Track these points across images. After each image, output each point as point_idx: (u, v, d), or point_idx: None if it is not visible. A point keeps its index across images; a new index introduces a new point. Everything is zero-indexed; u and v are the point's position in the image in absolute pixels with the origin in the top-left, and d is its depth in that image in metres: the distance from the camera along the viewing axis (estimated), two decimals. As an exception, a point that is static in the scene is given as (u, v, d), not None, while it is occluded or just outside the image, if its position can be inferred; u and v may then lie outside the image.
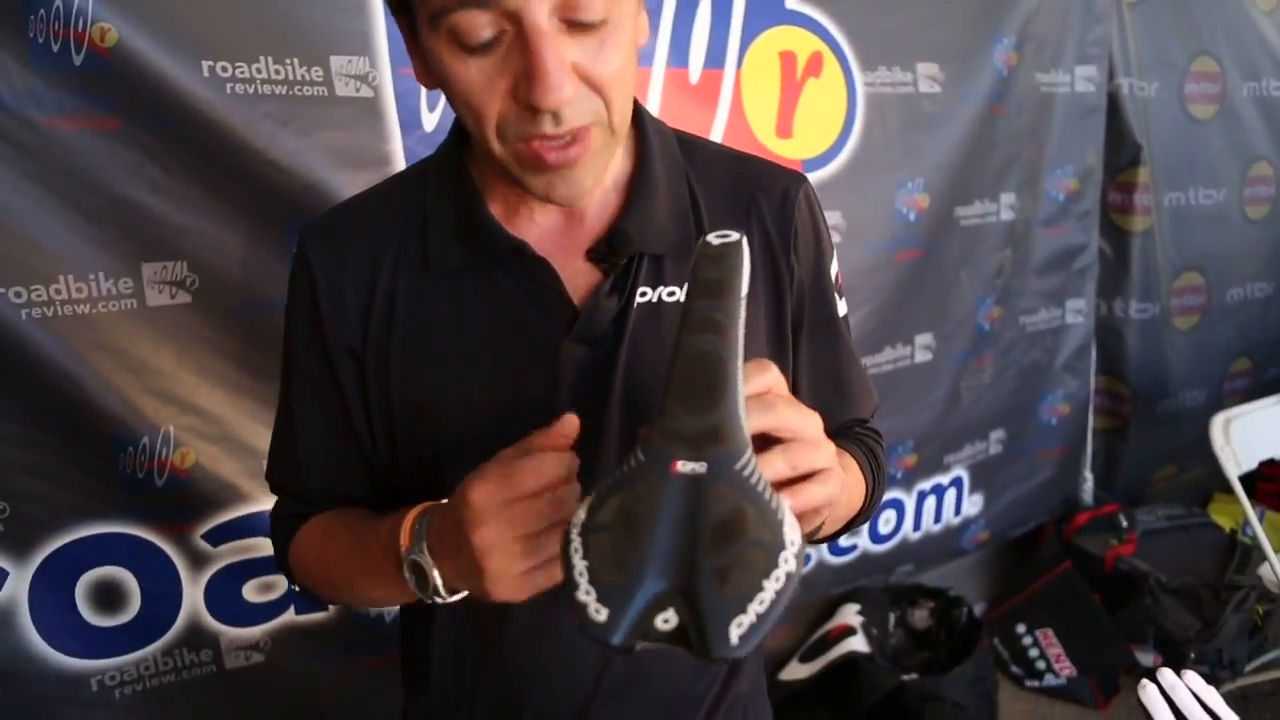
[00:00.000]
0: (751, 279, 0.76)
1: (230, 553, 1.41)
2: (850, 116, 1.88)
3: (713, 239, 0.62)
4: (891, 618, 2.36)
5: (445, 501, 0.64)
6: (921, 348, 2.17)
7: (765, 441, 0.56)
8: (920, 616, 2.37)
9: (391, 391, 0.74)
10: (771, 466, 0.54)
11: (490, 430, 0.71)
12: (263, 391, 1.37)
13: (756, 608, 0.44)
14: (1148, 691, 0.84)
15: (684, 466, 0.49)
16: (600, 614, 0.45)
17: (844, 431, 0.85)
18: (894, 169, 1.97)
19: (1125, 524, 2.51)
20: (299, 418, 0.80)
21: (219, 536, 1.39)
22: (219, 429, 1.35)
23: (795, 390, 0.82)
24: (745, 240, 0.61)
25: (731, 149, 0.83)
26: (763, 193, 0.77)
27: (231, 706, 1.45)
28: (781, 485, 0.55)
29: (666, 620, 0.46)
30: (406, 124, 1.40)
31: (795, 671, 2.20)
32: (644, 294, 0.73)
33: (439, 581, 0.64)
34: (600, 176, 0.68)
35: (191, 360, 1.32)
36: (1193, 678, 0.86)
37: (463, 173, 0.74)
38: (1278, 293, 2.91)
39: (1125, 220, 2.54)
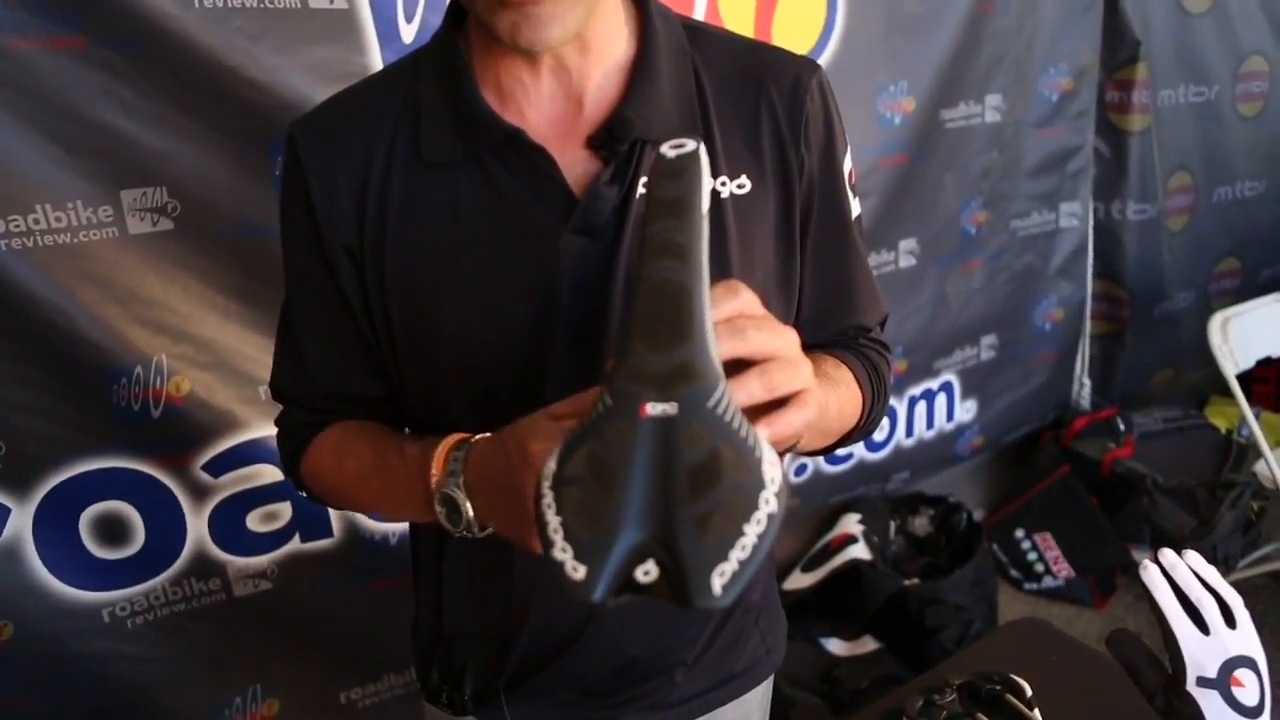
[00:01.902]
0: (761, 177, 0.74)
1: (232, 483, 1.41)
2: (830, 17, 1.82)
3: (667, 150, 0.57)
4: (892, 525, 2.39)
5: (487, 436, 0.63)
6: (905, 253, 2.15)
7: (739, 366, 0.54)
8: (920, 524, 2.40)
9: (387, 287, 0.72)
10: (746, 390, 0.52)
11: (487, 325, 0.70)
12: (254, 317, 1.35)
13: (739, 554, 0.42)
14: (1149, 571, 0.85)
15: (653, 409, 0.46)
16: (578, 571, 0.44)
17: (845, 341, 0.83)
18: (876, 72, 1.92)
19: (1123, 427, 2.53)
20: (302, 318, 0.78)
21: (219, 467, 1.39)
22: (212, 356, 1.34)
23: (800, 291, 0.80)
24: (703, 148, 0.57)
25: (742, 36, 0.79)
26: (773, 80, 0.74)
27: (243, 633, 1.47)
28: (759, 411, 0.53)
29: (647, 572, 0.44)
30: (384, 36, 1.35)
31: (798, 581, 2.24)
32: (645, 183, 0.70)
33: (472, 515, 0.63)
34: (571, 30, 0.64)
35: (179, 288, 1.30)
36: (1193, 556, 0.86)
37: (457, 58, 0.71)
38: (1269, 191, 2.88)
39: (1123, 119, 2.49)
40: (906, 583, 2.13)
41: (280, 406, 0.85)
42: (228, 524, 1.42)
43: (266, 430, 1.39)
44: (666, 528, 0.44)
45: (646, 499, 0.45)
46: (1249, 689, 0.81)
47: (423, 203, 0.71)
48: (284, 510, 1.46)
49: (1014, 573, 2.51)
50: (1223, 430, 2.68)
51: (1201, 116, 2.60)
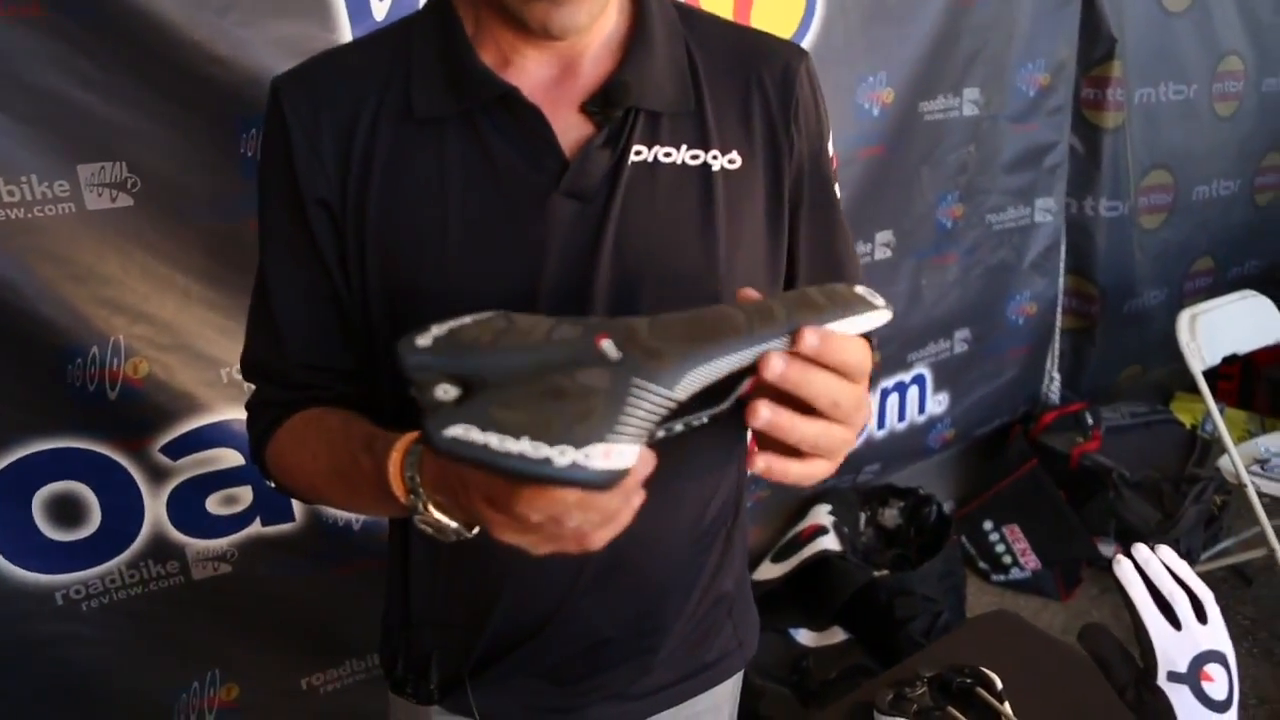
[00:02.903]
0: (751, 155, 0.74)
1: (191, 465, 1.37)
2: (810, 6, 1.81)
3: (864, 291, 0.56)
4: (862, 517, 2.40)
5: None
6: (881, 245, 2.15)
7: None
8: (890, 515, 2.41)
9: (367, 247, 0.70)
10: (791, 429, 0.51)
11: (470, 287, 0.68)
12: (217, 299, 1.31)
13: (477, 448, 0.44)
14: (1122, 566, 0.85)
15: (606, 343, 0.48)
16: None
17: None
18: (855, 63, 1.91)
19: (1091, 421, 2.56)
20: (275, 283, 0.75)
21: (178, 450, 1.35)
22: (172, 337, 1.30)
23: (791, 273, 0.80)
24: (881, 316, 0.55)
25: (730, 21, 0.80)
26: (764, 64, 0.75)
27: (202, 616, 1.44)
28: (789, 450, 0.53)
29: (445, 391, 0.47)
30: (355, 12, 1.31)
31: (768, 571, 2.24)
32: (639, 152, 0.70)
33: (454, 525, 0.60)
34: (597, 14, 0.67)
35: (138, 267, 1.26)
36: (1165, 551, 0.86)
37: (451, 19, 0.70)
38: (1242, 191, 2.92)
39: (1098, 116, 2.50)
40: (876, 574, 2.13)
41: (251, 388, 0.82)
42: (187, 506, 1.39)
43: (228, 414, 1.35)
44: (490, 384, 0.47)
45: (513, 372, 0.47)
46: (1218, 683, 0.82)
47: (409, 159, 0.69)
48: (245, 493, 1.42)
49: (982, 564, 2.54)
50: (1187, 425, 2.71)
51: (1181, 115, 2.63)
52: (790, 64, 0.75)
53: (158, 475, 1.36)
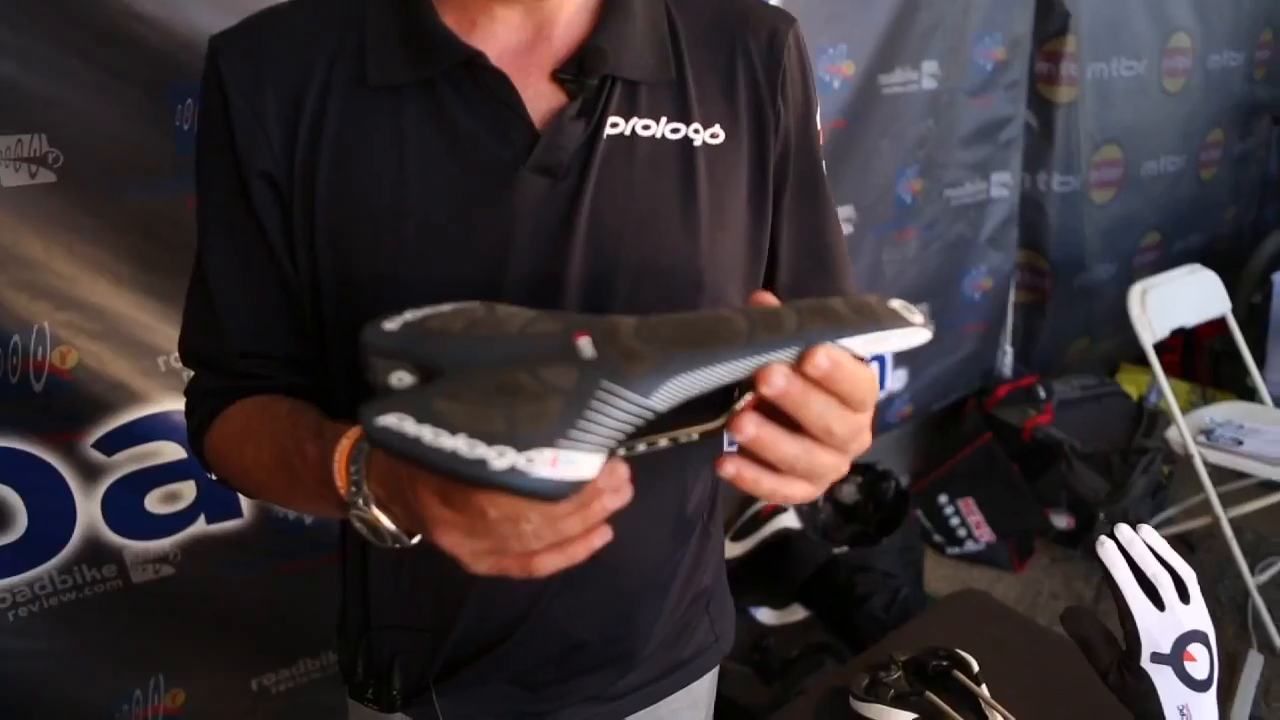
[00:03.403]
0: (735, 129, 0.69)
1: (128, 461, 1.29)
2: (771, -24, 1.77)
3: (899, 305, 0.48)
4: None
5: None
6: (843, 220, 2.13)
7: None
8: (848, 491, 2.41)
9: (316, 226, 0.64)
10: (776, 449, 0.46)
11: (430, 271, 0.63)
12: (150, 282, 1.23)
13: (401, 439, 0.40)
14: (1105, 547, 0.83)
15: (582, 340, 0.44)
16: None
17: None
18: (817, 34, 1.88)
19: (1043, 395, 2.59)
20: (214, 264, 0.69)
21: (112, 444, 1.27)
22: (102, 324, 1.21)
23: (773, 259, 0.75)
24: (918, 334, 0.47)
25: None
26: (749, 31, 0.70)
27: (143, 621, 1.36)
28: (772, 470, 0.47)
29: (401, 378, 0.44)
30: (294, -28, 1.23)
31: (728, 550, 2.23)
32: (615, 124, 0.65)
33: (394, 528, 0.55)
34: None
35: (63, 248, 1.17)
36: (1148, 531, 0.85)
37: None
38: (1188, 166, 2.97)
39: (1051, 91, 2.52)
40: (836, 551, 2.13)
41: (190, 374, 0.75)
42: (124, 506, 1.30)
43: (166, 404, 1.27)
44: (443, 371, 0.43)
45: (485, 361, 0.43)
46: (1200, 663, 0.81)
47: (363, 130, 0.63)
48: (187, 490, 1.35)
49: (937, 537, 2.56)
50: (1134, 398, 2.77)
51: (1132, 90, 2.65)
52: (778, 31, 0.70)
53: (90, 473, 1.27)
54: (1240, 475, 2.20)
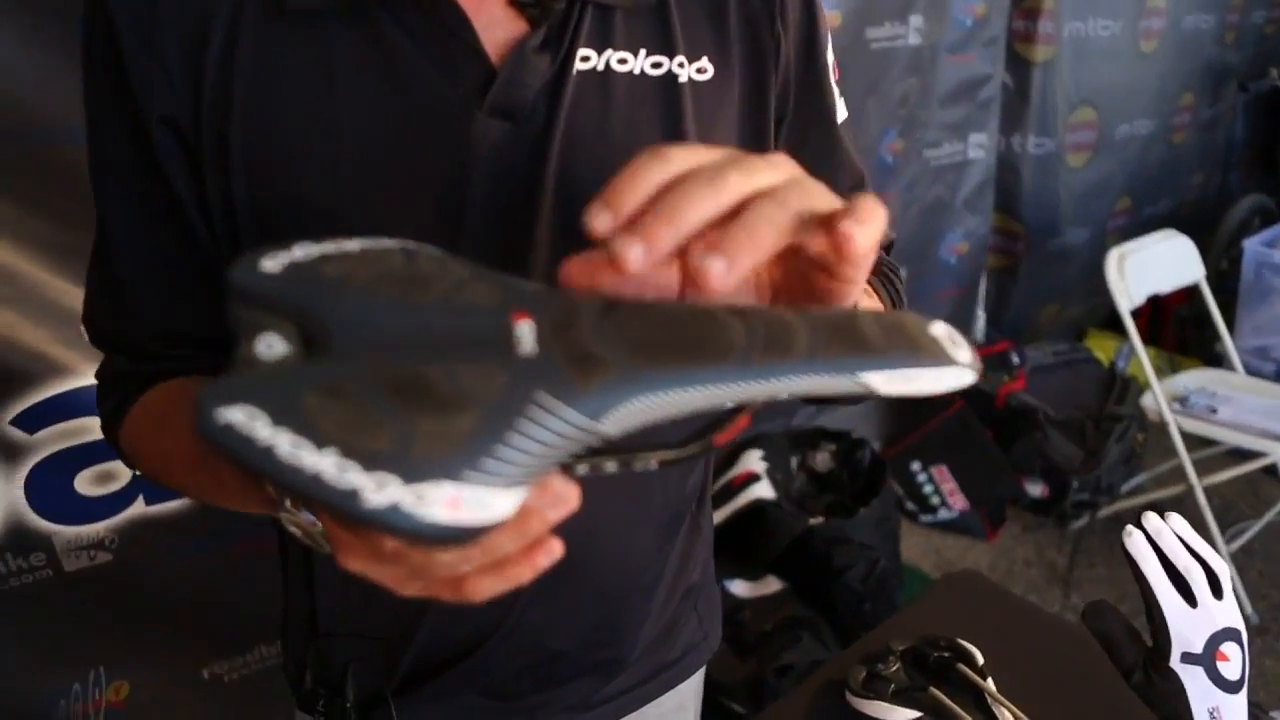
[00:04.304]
0: (726, 62, 0.58)
1: (53, 440, 1.17)
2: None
3: (943, 333, 0.36)
4: (794, 461, 2.34)
5: None
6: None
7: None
8: (822, 459, 2.36)
9: (233, 181, 0.53)
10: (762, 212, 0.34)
11: (370, 234, 0.53)
12: (69, 240, 1.10)
13: (257, 448, 0.29)
14: (1134, 539, 0.77)
15: (522, 326, 0.33)
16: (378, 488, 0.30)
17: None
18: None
19: (1017, 361, 2.56)
20: (114, 230, 0.58)
21: (34, 421, 1.15)
22: (14, 288, 1.08)
23: None
24: (960, 376, 0.36)
25: None
26: None
27: (78, 612, 1.25)
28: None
29: (270, 345, 0.33)
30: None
31: (700, 523, 2.17)
32: (586, 58, 0.55)
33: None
34: None
35: (-34, 203, 1.04)
36: (1177, 521, 0.79)
37: None
38: (1160, 129, 2.94)
39: (1028, 50, 2.45)
40: (812, 522, 2.08)
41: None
42: (50, 488, 1.19)
43: (93, 376, 1.15)
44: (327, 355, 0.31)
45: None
46: (1233, 663, 0.75)
47: (283, 66, 0.52)
48: (122, 470, 1.23)
49: (910, 505, 2.53)
50: (1105, 364, 2.75)
51: (1108, 51, 2.60)
52: None
53: (10, 453, 1.15)
54: (1210, 443, 2.20)
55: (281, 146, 0.53)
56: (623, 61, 0.56)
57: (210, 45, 0.51)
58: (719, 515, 2.16)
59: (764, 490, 2.16)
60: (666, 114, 0.57)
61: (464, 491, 0.29)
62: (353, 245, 0.35)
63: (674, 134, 0.57)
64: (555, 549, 0.35)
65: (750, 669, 1.84)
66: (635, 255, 0.32)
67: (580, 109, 0.55)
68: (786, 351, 0.33)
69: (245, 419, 0.29)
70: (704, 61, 0.58)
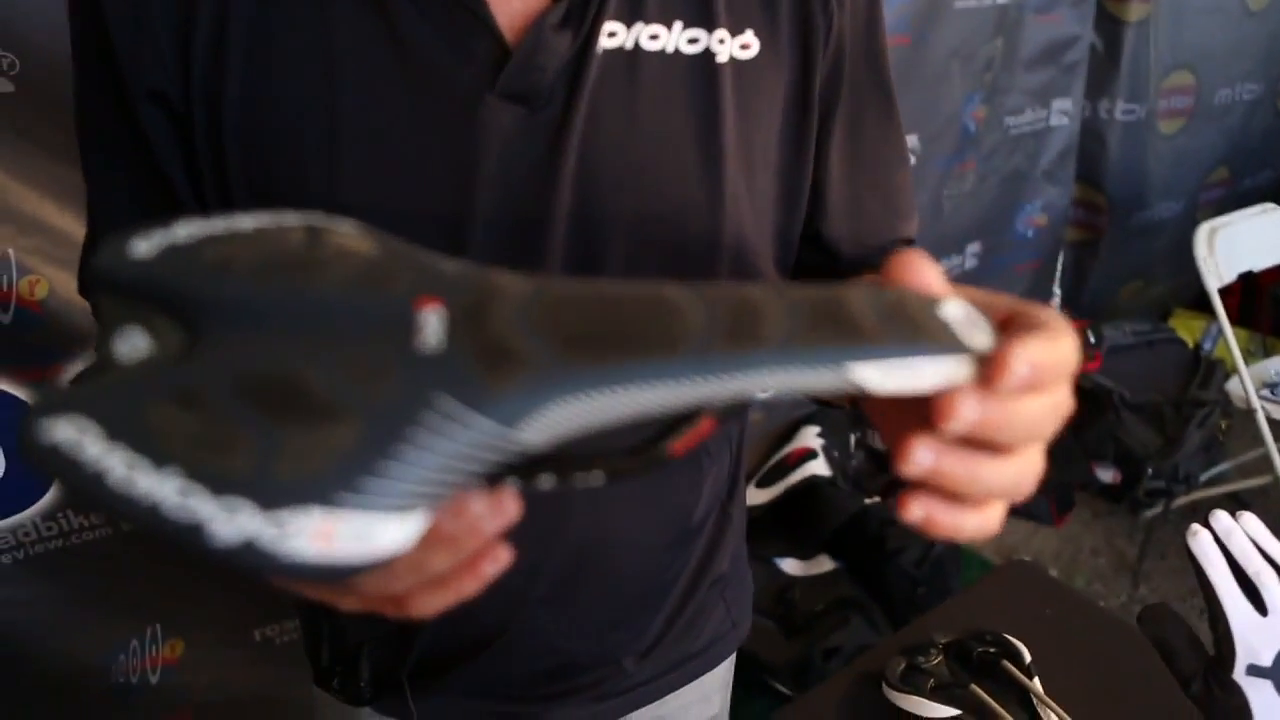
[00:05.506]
0: (773, 37, 0.53)
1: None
2: None
3: (957, 315, 0.30)
4: (852, 439, 2.28)
5: None
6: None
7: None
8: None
9: (228, 164, 0.51)
10: (979, 481, 0.30)
11: (372, 224, 0.50)
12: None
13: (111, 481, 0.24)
14: (1199, 539, 0.71)
15: (428, 314, 0.27)
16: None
17: None
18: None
19: (1093, 340, 2.44)
20: (100, 206, 0.57)
21: (92, 380, 1.18)
22: (70, 250, 1.10)
23: (818, 202, 0.60)
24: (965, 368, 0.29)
25: None
26: None
27: (136, 570, 1.29)
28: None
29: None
30: None
31: (753, 497, 2.14)
32: (613, 34, 0.50)
33: None
34: None
35: (22, 166, 1.05)
36: (1250, 520, 0.73)
37: None
38: (1266, 95, 2.73)
39: (1120, 8, 2.30)
40: (867, 501, 2.03)
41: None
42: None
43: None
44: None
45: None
46: (1304, 679, 0.69)
47: (278, 43, 0.49)
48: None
49: (972, 488, 2.45)
50: (1190, 345, 2.61)
51: (1210, 7, 2.42)
52: None
53: (69, 411, 1.19)
54: (1304, 433, 2.06)
55: (278, 125, 0.50)
56: (654, 37, 0.51)
57: (199, 17, 0.49)
58: (773, 491, 2.13)
59: (820, 467, 2.11)
60: (703, 97, 0.52)
61: (338, 520, 0.24)
62: (247, 223, 0.29)
63: (710, 119, 0.52)
64: (503, 555, 0.32)
65: (797, 649, 1.81)
66: (925, 463, 0.29)
67: (604, 92, 0.50)
68: (755, 339, 0.27)
69: (74, 435, 0.24)
70: (748, 36, 0.53)
